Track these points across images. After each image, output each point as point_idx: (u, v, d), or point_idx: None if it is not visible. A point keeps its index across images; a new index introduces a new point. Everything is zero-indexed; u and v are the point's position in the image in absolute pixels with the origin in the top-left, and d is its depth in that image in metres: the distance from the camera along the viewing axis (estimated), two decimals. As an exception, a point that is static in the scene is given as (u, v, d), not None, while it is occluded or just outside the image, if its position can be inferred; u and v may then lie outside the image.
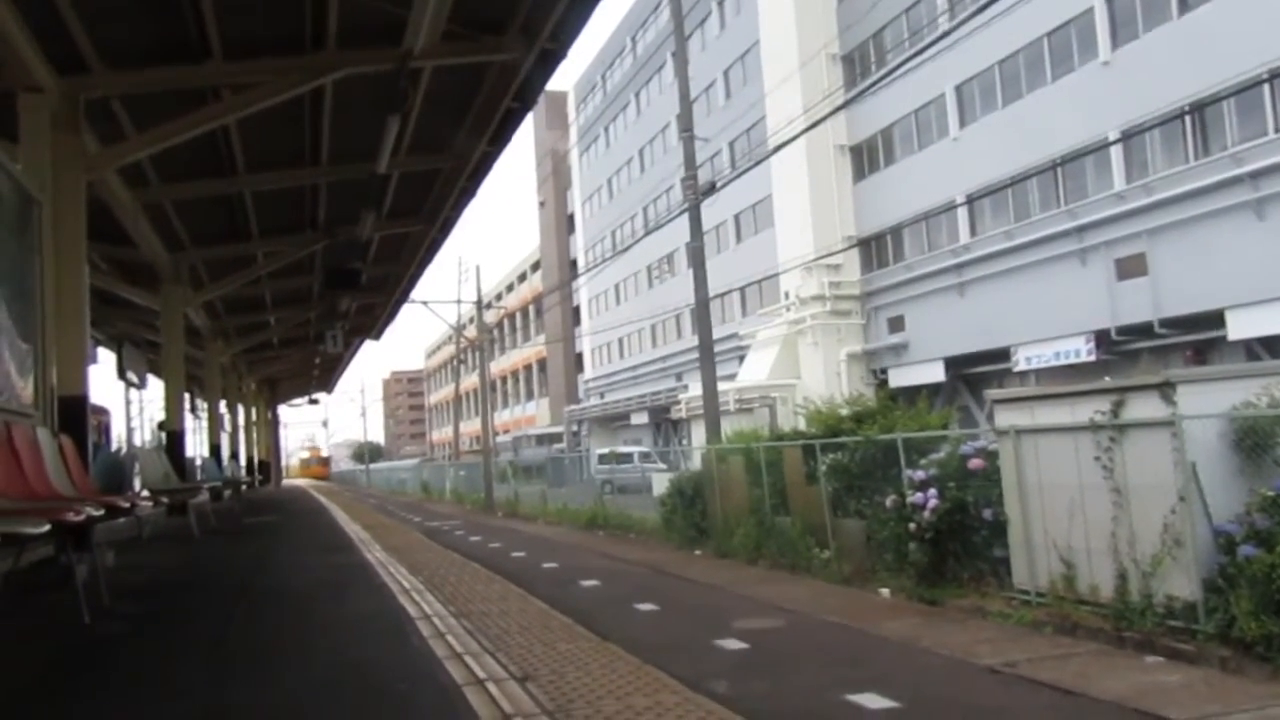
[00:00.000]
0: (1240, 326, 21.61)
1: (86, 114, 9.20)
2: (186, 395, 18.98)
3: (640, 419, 48.64)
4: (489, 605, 5.24)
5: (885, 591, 7.37)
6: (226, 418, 27.71)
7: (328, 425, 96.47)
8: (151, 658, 4.54)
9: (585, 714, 3.01)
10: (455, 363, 53.40)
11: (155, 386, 22.88)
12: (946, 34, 20.01)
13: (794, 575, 7.64)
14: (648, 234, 31.03)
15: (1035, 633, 3.63)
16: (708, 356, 16.47)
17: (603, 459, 32.66)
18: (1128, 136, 23.62)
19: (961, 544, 7.68)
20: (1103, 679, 2.99)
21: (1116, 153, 24.68)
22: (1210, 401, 6.29)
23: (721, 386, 21.29)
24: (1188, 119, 22.60)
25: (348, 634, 4.78)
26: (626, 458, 31.97)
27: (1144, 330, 23.99)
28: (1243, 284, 20.96)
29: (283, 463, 59.52)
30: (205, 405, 24.44)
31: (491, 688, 3.41)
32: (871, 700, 2.92)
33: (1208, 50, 21.46)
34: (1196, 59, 21.68)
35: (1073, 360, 25.92)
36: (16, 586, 6.02)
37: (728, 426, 17.26)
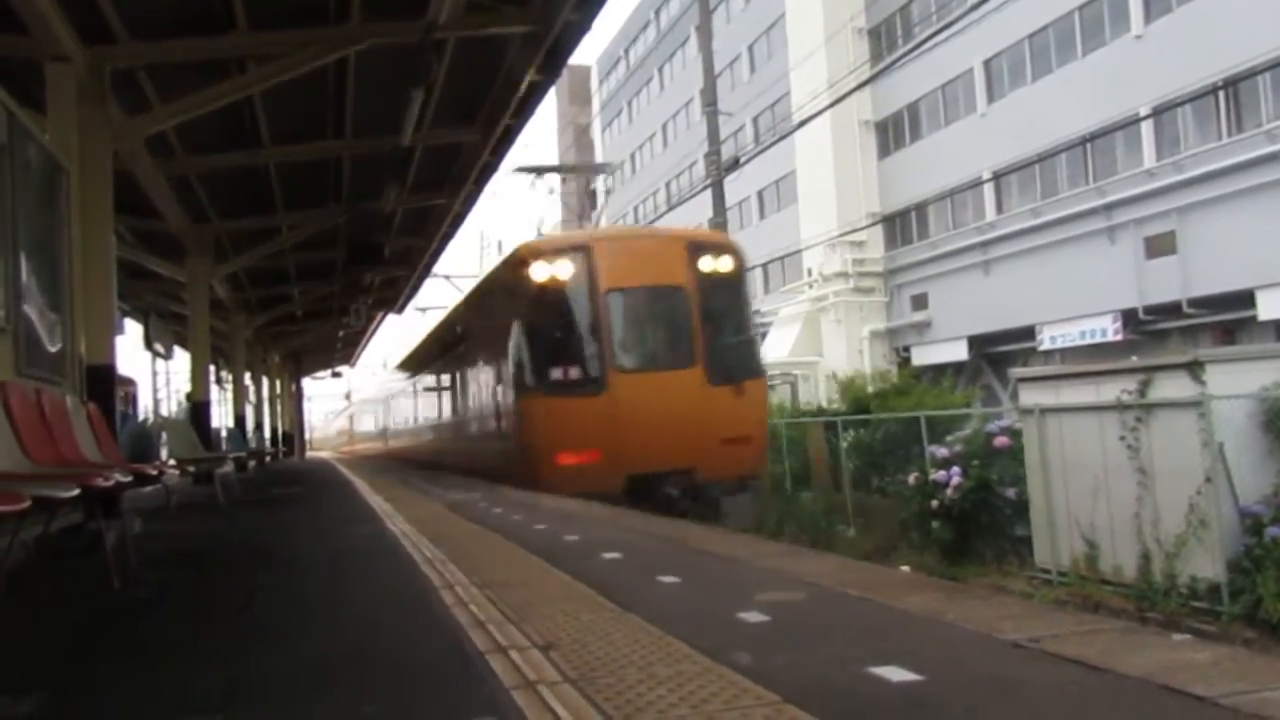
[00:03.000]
0: (1271, 306, 21.33)
1: (112, 84, 9.24)
2: (212, 367, 19.17)
3: (661, 395, 48.53)
4: (511, 576, 5.27)
5: (906, 568, 7.37)
6: (251, 390, 27.99)
7: (351, 398, 74.63)
8: (180, 623, 4.61)
9: (608, 682, 3.03)
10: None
11: (180, 360, 23.13)
12: (975, 7, 19.71)
13: (815, 550, 7.64)
14: (670, 209, 30.91)
15: (1058, 610, 3.62)
16: (730, 333, 16.24)
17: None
18: (1159, 112, 23.23)
19: (984, 522, 7.68)
20: (1129, 655, 2.96)
21: (1147, 129, 24.30)
22: (1240, 382, 6.23)
23: (743, 363, 21.19)
24: (1221, 95, 22.20)
25: (371, 602, 4.83)
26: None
27: (1172, 310, 23.73)
28: (1275, 263, 20.64)
29: (307, 435, 57.52)
30: (230, 377, 24.66)
31: (515, 655, 3.44)
32: (894, 673, 2.91)
33: (1243, 24, 21.04)
34: (1231, 33, 21.26)
35: (1097, 339, 25.70)
36: (47, 551, 6.11)
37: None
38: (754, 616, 3.88)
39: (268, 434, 31.78)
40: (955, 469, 7.75)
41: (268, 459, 25.96)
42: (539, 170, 23.10)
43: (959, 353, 30.79)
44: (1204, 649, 3.05)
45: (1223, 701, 2.54)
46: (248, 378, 26.29)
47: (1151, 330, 24.46)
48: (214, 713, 2.94)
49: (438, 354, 20.64)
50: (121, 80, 9.68)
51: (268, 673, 3.51)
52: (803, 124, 20.41)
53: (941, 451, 8.03)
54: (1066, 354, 26.32)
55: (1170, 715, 2.52)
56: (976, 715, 2.59)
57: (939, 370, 26.19)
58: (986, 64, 29.75)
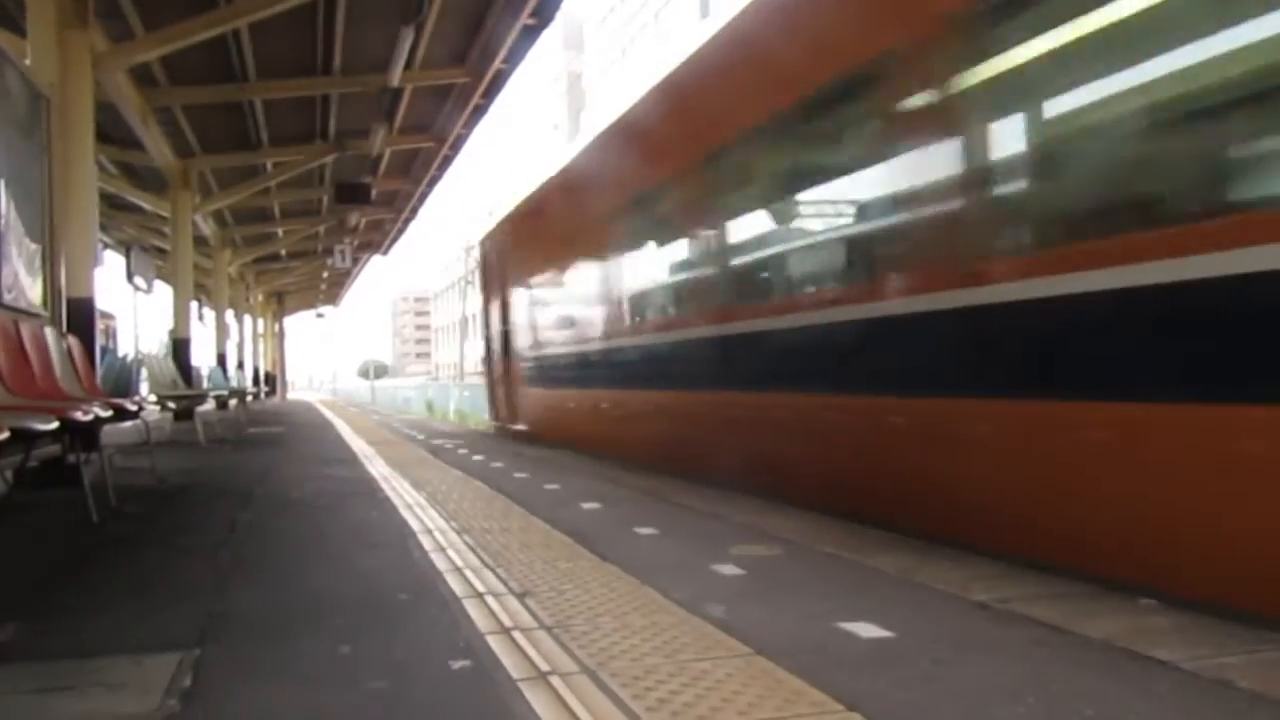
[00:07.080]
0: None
1: (95, 11, 9.02)
2: (194, 304, 19.03)
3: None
4: (490, 522, 5.31)
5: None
6: (234, 328, 27.81)
7: (334, 341, 66.00)
8: (159, 559, 4.62)
9: (583, 629, 3.07)
10: (463, 283, 53.40)
11: (160, 294, 22.89)
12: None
13: (794, 507, 7.72)
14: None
15: (1028, 572, 3.70)
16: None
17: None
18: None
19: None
20: (1094, 618, 3.03)
21: None
22: None
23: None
24: None
25: (350, 544, 4.86)
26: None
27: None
28: None
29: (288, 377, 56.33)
30: (213, 314, 24.50)
31: (491, 601, 3.48)
32: (865, 629, 2.97)
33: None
34: None
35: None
36: (26, 484, 6.10)
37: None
38: (729, 569, 3.93)
39: (249, 373, 31.64)
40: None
41: (249, 398, 25.85)
42: None
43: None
44: (1169, 614, 3.12)
45: (1183, 666, 2.61)
46: (230, 316, 26.11)
47: None
48: (191, 646, 2.97)
49: None
50: (104, 7, 9.45)
51: (244, 609, 3.53)
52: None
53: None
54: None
55: (1130, 678, 2.57)
56: (942, 671, 2.65)
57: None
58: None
